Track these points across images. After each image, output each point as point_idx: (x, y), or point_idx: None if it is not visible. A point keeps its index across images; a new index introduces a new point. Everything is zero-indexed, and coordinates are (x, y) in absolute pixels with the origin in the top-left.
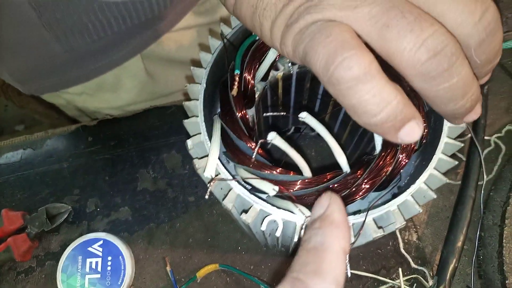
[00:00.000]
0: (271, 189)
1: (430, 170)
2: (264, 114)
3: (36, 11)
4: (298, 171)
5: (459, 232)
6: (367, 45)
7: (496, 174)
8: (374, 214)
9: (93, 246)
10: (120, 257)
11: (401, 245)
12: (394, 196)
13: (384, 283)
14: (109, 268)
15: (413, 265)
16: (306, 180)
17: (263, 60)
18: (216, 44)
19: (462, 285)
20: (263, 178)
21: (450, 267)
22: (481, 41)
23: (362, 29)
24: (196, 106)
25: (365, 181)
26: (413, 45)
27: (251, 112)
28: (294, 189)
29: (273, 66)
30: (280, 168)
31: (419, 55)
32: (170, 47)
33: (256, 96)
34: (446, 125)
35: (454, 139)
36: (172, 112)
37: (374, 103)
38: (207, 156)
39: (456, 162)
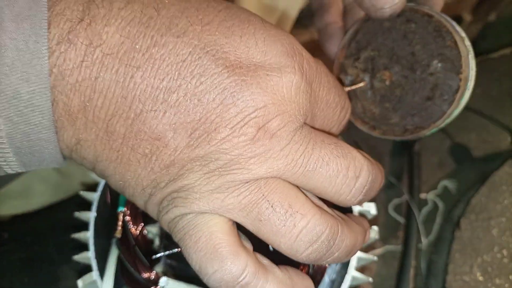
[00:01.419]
0: None
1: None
2: (153, 257)
3: None
4: None
5: None
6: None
7: (436, 235)
8: None
9: None
10: None
11: None
12: None
13: None
14: None
15: None
16: None
17: None
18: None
19: None
20: None
21: None
22: (358, 201)
23: (235, 219)
24: (87, 238)
25: None
26: (287, 239)
27: (155, 228)
28: None
29: None
30: None
31: (296, 247)
32: None
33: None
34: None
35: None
36: None
37: None
38: None
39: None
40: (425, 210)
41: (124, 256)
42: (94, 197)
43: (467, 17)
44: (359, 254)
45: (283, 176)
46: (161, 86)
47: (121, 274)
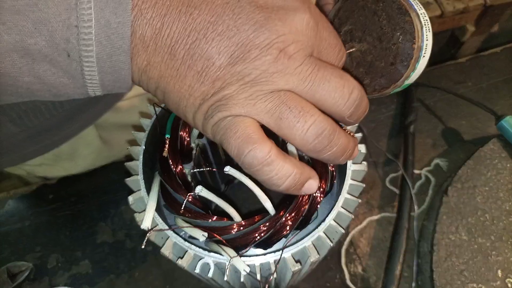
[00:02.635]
0: (201, 235)
1: (337, 209)
2: (191, 171)
3: None
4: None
5: (396, 261)
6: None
7: (428, 205)
8: (292, 250)
9: None
10: None
11: (347, 277)
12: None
13: None
14: None
15: None
16: (236, 224)
17: None
18: (153, 111)
19: None
20: (196, 225)
21: None
22: (351, 112)
23: (262, 120)
24: (137, 166)
25: (288, 219)
26: (300, 132)
27: (189, 167)
28: (230, 233)
29: None
30: (216, 216)
31: (306, 139)
32: (121, 115)
33: (194, 152)
34: (350, 168)
35: (359, 181)
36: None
37: (277, 178)
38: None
39: (359, 200)
40: (418, 183)
41: (165, 180)
42: (142, 135)
43: (471, 28)
44: (354, 166)
45: (296, 90)
46: (211, 20)
47: (162, 195)
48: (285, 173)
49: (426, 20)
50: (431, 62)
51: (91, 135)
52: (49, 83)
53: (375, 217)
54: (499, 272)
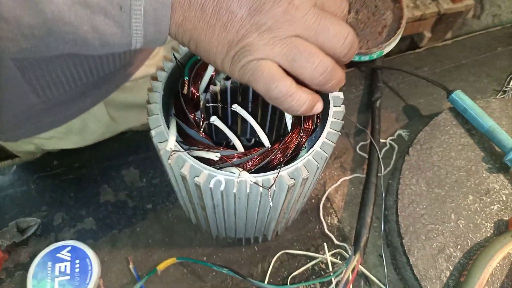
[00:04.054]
0: (215, 156)
1: (322, 139)
2: (207, 105)
3: (21, 70)
4: (235, 149)
5: (367, 210)
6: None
7: (392, 167)
8: (287, 170)
9: (61, 252)
10: (87, 259)
11: (325, 227)
12: None
13: (315, 258)
14: (77, 270)
15: (336, 242)
16: (238, 154)
17: (203, 78)
18: (169, 65)
19: (375, 254)
20: (208, 150)
21: (363, 238)
22: (345, 53)
23: (278, 62)
24: (157, 107)
25: (279, 152)
26: (310, 70)
27: (198, 115)
28: (234, 160)
29: (211, 82)
30: (223, 147)
31: (314, 75)
32: (128, 94)
33: (201, 103)
34: (331, 109)
35: (340, 119)
36: (129, 136)
37: (297, 105)
38: (167, 141)
39: (339, 133)
40: (384, 150)
41: (181, 120)
42: (159, 84)
43: (427, 34)
44: (335, 108)
45: (303, 35)
46: None
47: (178, 133)
48: (303, 100)
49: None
50: (394, 52)
51: (101, 112)
52: (102, 32)
53: (348, 177)
54: (452, 215)
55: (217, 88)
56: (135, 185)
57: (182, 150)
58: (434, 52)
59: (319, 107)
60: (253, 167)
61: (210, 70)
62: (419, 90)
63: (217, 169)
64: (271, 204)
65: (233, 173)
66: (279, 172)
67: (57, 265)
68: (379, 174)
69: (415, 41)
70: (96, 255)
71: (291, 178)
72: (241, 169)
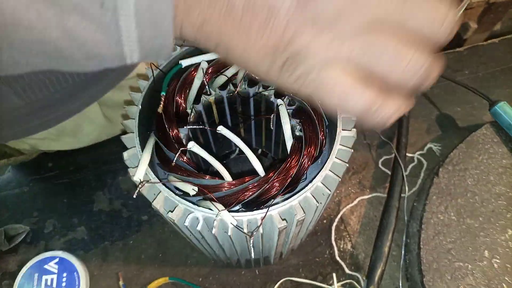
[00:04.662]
0: (191, 190)
1: (325, 171)
2: (186, 127)
3: None
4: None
5: (385, 239)
6: None
7: (419, 187)
8: (278, 209)
9: (49, 264)
10: (75, 273)
11: (336, 253)
12: None
13: None
14: (63, 284)
15: (347, 271)
16: (227, 183)
17: (191, 86)
18: (150, 73)
19: (392, 287)
20: (186, 181)
21: (378, 270)
22: (445, 37)
23: (351, 67)
24: (133, 124)
25: (276, 181)
26: (399, 71)
27: (184, 131)
28: (220, 191)
29: (203, 92)
30: (208, 175)
31: (406, 77)
32: (125, 93)
33: (191, 117)
34: (339, 134)
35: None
36: None
37: (387, 117)
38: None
39: (347, 165)
40: (411, 166)
41: (160, 140)
42: (138, 96)
43: (473, 25)
44: (343, 133)
45: (383, 24)
46: None
47: (156, 154)
48: (393, 110)
49: None
50: None
51: (95, 113)
52: (80, 39)
53: (367, 197)
54: (486, 252)
55: (211, 98)
56: (131, 193)
57: (155, 179)
58: (477, 52)
59: (407, 107)
60: (241, 200)
61: (199, 76)
62: (456, 97)
63: (194, 204)
64: (252, 252)
65: (212, 210)
66: (267, 212)
67: (44, 277)
68: (402, 195)
69: (458, 32)
70: (85, 269)
71: (283, 220)
72: (221, 207)
